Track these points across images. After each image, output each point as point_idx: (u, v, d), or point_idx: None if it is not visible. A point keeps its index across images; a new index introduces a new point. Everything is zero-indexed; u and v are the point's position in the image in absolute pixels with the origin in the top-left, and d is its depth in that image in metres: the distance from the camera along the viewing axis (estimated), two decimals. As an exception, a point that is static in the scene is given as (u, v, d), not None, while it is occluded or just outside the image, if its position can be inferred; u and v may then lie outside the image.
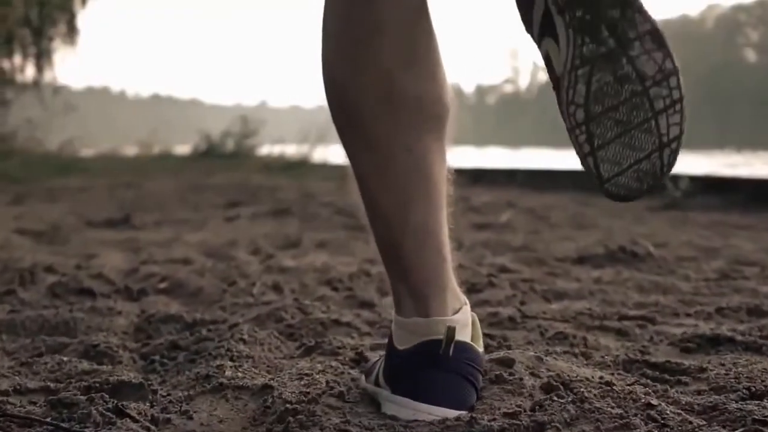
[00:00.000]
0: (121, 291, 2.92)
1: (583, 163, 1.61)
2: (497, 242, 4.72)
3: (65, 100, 21.08)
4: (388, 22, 1.61)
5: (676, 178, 8.07)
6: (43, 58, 25.32)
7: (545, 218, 6.35)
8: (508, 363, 1.81)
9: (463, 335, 1.65)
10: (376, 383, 1.73)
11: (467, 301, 1.71)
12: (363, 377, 1.82)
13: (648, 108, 1.55)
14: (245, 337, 2.12)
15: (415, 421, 1.56)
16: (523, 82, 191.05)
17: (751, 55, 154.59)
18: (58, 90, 24.79)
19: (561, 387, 1.69)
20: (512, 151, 47.99)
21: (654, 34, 1.56)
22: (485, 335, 2.01)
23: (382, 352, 1.80)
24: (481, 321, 1.85)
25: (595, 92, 1.55)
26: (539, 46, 1.62)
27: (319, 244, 4.68)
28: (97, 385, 1.77)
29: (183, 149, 20.73)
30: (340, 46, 1.64)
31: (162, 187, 10.50)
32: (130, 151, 21.36)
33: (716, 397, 1.72)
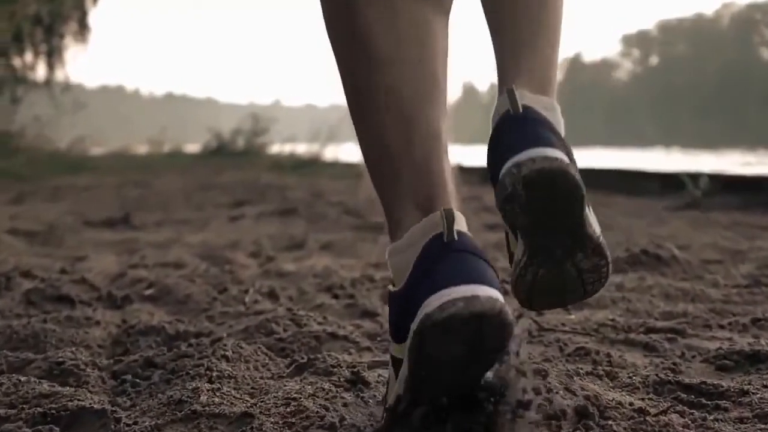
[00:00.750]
0: (104, 298, 2.68)
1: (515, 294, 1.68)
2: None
3: (75, 98, 20.94)
4: None
5: (696, 177, 7.83)
6: (54, 55, 25.22)
7: (561, 218, 6.11)
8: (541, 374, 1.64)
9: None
10: (391, 337, 1.51)
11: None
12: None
13: (580, 290, 1.71)
14: (229, 353, 1.89)
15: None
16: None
17: (766, 54, 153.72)
18: (69, 88, 24.68)
19: (596, 414, 1.48)
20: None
21: (597, 249, 1.65)
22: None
23: (382, 371, 1.67)
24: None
25: (539, 284, 1.63)
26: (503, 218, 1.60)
27: (324, 246, 4.46)
28: (53, 412, 1.54)
29: (194, 147, 20.59)
30: None
31: (169, 186, 10.31)
32: (141, 149, 21.21)
33: (762, 426, 1.50)
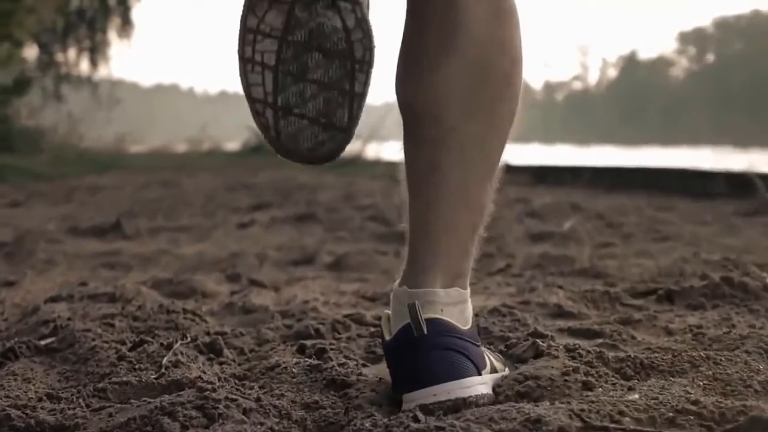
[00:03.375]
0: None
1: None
2: (556, 259, 3.73)
3: (109, 95, 20.46)
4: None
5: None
6: (97, 52, 24.78)
7: (616, 226, 5.32)
8: None
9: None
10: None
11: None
12: None
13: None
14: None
15: None
16: (592, 79, 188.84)
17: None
18: (113, 84, 24.28)
19: None
20: (580, 148, 46.92)
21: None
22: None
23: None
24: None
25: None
26: None
27: (334, 263, 3.74)
28: None
29: (235, 145, 20.02)
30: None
31: (197, 186, 9.66)
32: (180, 147, 20.67)
33: None
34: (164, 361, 1.71)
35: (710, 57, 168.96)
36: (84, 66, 24.69)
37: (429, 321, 1.50)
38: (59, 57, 24.49)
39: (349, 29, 1.48)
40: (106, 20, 24.99)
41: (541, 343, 1.78)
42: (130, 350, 1.79)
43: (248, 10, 1.50)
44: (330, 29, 1.48)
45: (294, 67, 1.49)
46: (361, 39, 1.49)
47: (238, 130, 19.62)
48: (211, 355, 1.84)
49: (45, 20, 14.93)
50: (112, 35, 25.40)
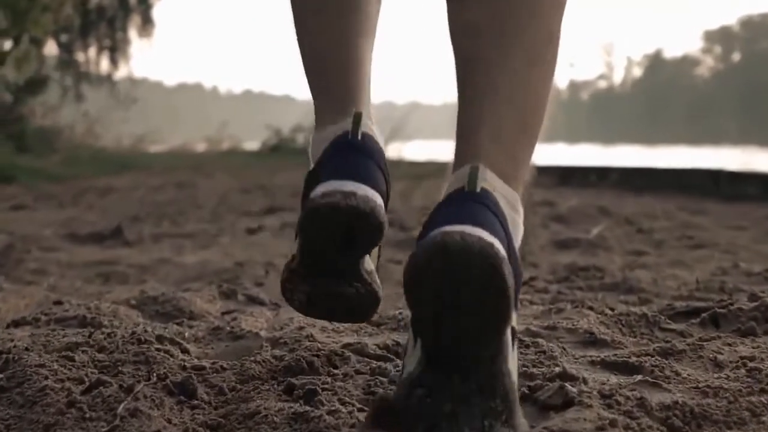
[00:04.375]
0: None
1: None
2: (584, 271, 3.44)
3: (126, 94, 20.28)
4: None
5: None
6: (117, 50, 24.62)
7: (648, 232, 5.02)
8: None
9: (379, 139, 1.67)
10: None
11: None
12: None
13: None
14: None
15: None
16: (617, 78, 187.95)
17: None
18: (134, 83, 24.13)
19: None
20: (605, 147, 46.57)
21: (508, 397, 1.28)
22: None
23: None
24: None
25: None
26: None
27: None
28: None
29: (255, 145, 19.79)
30: None
31: (213, 187, 9.41)
32: (200, 147, 20.44)
33: None
34: (120, 409, 1.42)
35: (736, 56, 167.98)
36: (104, 65, 24.56)
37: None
38: (79, 56, 24.36)
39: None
40: (127, 19, 24.83)
41: (570, 387, 1.50)
42: (83, 393, 1.51)
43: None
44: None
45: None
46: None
47: (258, 129, 19.39)
48: (182, 398, 1.55)
49: (61, 18, 14.70)
50: (133, 34, 25.25)
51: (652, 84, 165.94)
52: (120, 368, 1.68)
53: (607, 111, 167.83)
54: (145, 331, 1.90)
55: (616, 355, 1.89)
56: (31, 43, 14.51)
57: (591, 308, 2.35)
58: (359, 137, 1.61)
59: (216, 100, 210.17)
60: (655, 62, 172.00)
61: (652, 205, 6.86)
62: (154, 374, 1.62)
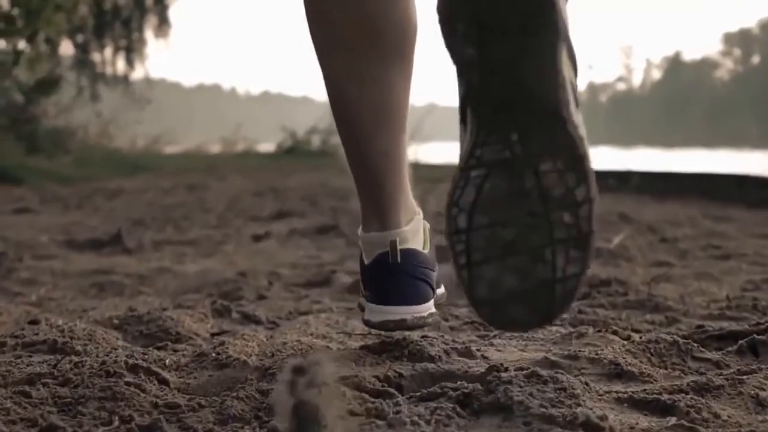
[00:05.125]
0: None
1: (457, 276, 1.43)
2: (606, 285, 3.22)
3: (140, 94, 20.15)
4: None
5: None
6: (133, 51, 24.51)
7: (671, 241, 4.79)
8: None
9: (414, 243, 1.87)
10: (362, 295, 1.92)
11: (420, 211, 1.95)
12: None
13: (545, 234, 1.36)
14: None
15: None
16: (636, 80, 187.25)
17: None
18: (149, 84, 24.03)
19: None
20: (624, 150, 46.32)
21: (574, 154, 1.37)
22: None
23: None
24: None
25: (484, 201, 1.38)
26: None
27: (352, 285, 3.26)
28: None
29: (270, 146, 19.63)
30: None
31: (224, 189, 9.25)
32: (214, 148, 20.29)
33: None
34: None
35: (756, 58, 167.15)
36: (120, 65, 24.44)
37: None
38: (95, 56, 24.24)
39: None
40: (143, 19, 24.71)
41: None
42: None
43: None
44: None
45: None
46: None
47: (275, 131, 19.24)
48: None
49: (74, 17, 14.53)
50: (149, 34, 25.12)
51: (671, 86, 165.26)
52: (81, 407, 1.48)
53: (625, 113, 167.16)
54: (115, 361, 1.69)
55: (645, 391, 1.67)
56: (45, 43, 14.37)
57: (615, 332, 2.13)
58: (398, 259, 1.84)
59: (234, 101, 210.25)
60: (675, 65, 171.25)
61: (675, 212, 6.63)
62: (117, 417, 1.41)
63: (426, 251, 1.90)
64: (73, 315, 2.53)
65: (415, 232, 1.89)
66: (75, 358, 1.78)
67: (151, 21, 25.27)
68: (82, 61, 23.39)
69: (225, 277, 3.52)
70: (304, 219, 5.92)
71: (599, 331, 2.16)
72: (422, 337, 2.02)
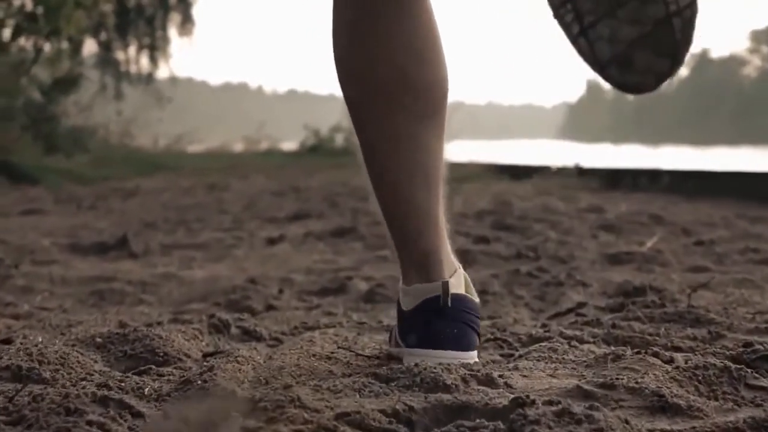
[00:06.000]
0: None
1: (576, 49, 1.48)
2: (641, 293, 2.98)
3: (161, 93, 20.03)
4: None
5: None
6: (157, 49, 24.36)
7: (707, 244, 4.54)
8: None
9: (458, 290, 1.84)
10: (396, 344, 1.90)
11: (460, 266, 1.89)
12: (387, 344, 2.02)
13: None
14: None
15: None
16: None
17: None
18: (173, 82, 23.93)
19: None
20: (652, 148, 45.94)
21: None
22: None
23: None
24: None
25: None
26: None
27: (367, 294, 3.05)
28: None
29: (293, 145, 19.46)
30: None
31: (245, 189, 9.04)
32: (238, 147, 20.13)
33: None
34: None
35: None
36: (144, 63, 24.30)
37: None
38: (119, 54, 24.10)
39: None
40: (166, 17, 24.56)
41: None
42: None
43: None
44: None
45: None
46: None
47: (301, 129, 19.06)
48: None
49: (94, 15, 14.39)
50: (173, 33, 24.99)
51: (698, 84, 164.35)
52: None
53: (653, 111, 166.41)
54: (80, 395, 1.46)
55: (695, 429, 1.44)
56: (68, 42, 14.21)
57: (656, 354, 1.87)
58: (449, 303, 1.80)
59: (260, 100, 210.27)
60: (702, 62, 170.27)
61: (708, 212, 6.37)
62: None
63: (475, 299, 1.88)
64: (56, 331, 2.31)
65: (458, 285, 1.85)
66: (37, 389, 1.55)
67: (175, 19, 25.11)
68: (106, 59, 23.26)
69: (233, 284, 3.31)
70: (322, 220, 5.70)
71: (638, 352, 1.90)
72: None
